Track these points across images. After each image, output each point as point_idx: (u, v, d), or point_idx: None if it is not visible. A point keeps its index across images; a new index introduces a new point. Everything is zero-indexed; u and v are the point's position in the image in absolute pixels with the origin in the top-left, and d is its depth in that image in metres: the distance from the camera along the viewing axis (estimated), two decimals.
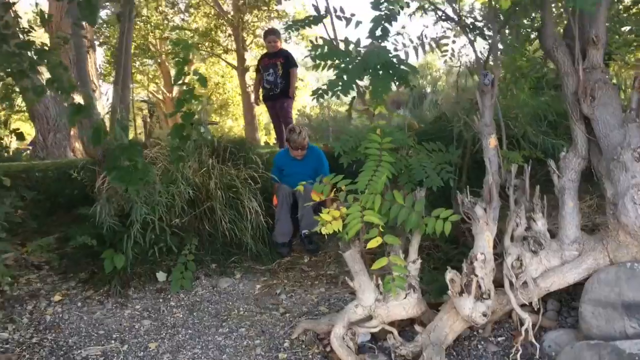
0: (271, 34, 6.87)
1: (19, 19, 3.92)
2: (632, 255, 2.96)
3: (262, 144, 15.56)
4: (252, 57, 17.46)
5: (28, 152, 11.50)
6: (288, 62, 6.75)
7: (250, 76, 17.19)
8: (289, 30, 3.82)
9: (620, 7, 6.67)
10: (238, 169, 5.14)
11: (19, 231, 4.97)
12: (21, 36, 3.79)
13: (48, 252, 4.54)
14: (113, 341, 3.76)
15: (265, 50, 7.34)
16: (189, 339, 3.75)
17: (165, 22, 15.60)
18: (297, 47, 17.92)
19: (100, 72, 14.11)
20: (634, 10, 7.26)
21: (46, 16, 3.89)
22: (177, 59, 3.43)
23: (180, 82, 4.05)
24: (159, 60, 17.65)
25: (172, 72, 19.39)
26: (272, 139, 21.23)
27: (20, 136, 4.45)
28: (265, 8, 15.71)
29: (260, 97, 7.08)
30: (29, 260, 4.68)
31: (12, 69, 3.74)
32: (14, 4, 3.68)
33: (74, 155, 10.24)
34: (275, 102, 6.86)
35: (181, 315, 4.11)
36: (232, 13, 16.06)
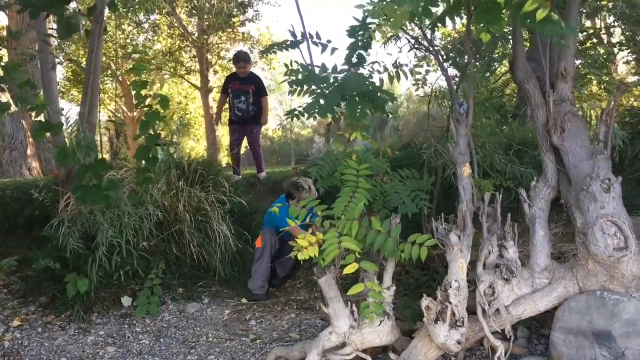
0: (242, 60, 6.66)
1: None
2: (601, 283, 3.03)
3: (224, 164, 15.43)
4: (216, 78, 17.42)
5: None
6: (259, 90, 6.65)
7: (214, 97, 17.15)
8: (265, 55, 3.82)
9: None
10: (207, 191, 5.07)
11: None
12: None
13: (8, 275, 4.35)
14: None
15: (232, 70, 7.30)
16: None
17: (129, 41, 15.42)
18: (263, 72, 17.99)
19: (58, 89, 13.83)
20: (588, 44, 7.60)
21: (14, 32, 3.77)
22: (134, 82, 3.38)
23: (142, 105, 4.01)
24: (120, 79, 17.41)
25: (134, 92, 19.16)
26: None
27: None
28: (230, 30, 15.74)
29: (221, 119, 7.16)
30: None
31: None
32: None
33: (30, 174, 9.92)
34: (246, 127, 6.71)
35: (147, 342, 4.00)
36: (196, 34, 16.02)
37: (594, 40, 7.55)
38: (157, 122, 3.47)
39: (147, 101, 3.58)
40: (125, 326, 4.21)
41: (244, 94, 6.52)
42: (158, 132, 3.65)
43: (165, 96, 3.51)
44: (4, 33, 10.68)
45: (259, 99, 6.60)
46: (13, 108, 3.68)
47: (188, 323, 4.28)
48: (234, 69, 6.92)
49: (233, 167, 6.68)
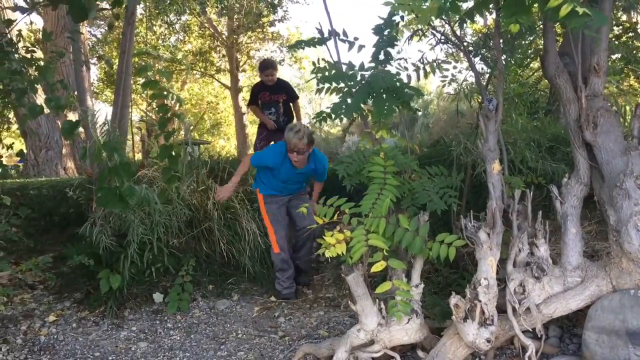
0: (269, 67, 6.32)
1: (22, 37, 3.91)
2: (635, 282, 2.96)
3: None
4: (246, 77, 17.58)
5: (17, 169, 11.41)
6: (290, 96, 6.41)
7: (244, 97, 17.28)
8: (293, 50, 3.84)
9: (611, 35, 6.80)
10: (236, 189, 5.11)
11: (13, 249, 4.91)
12: (23, 53, 3.78)
13: (43, 271, 4.47)
14: None
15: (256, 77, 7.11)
16: None
17: (160, 42, 15.65)
18: (289, 70, 18.06)
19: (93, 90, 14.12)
20: (624, 38, 7.42)
21: (48, 33, 3.86)
22: (145, 82, 3.40)
23: (159, 105, 4.04)
24: (152, 80, 17.62)
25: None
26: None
27: (19, 153, 4.39)
28: (259, 30, 15.84)
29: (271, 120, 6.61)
30: (23, 279, 4.61)
31: (12, 87, 3.72)
32: (17, 21, 3.67)
33: (65, 173, 10.17)
34: (275, 135, 6.35)
35: (178, 338, 4.05)
36: (226, 34, 16.18)
37: (631, 34, 7.37)
38: (173, 119, 3.49)
39: (158, 100, 3.61)
40: (157, 322, 4.28)
41: (274, 105, 6.31)
42: (173, 128, 3.68)
43: (178, 95, 3.54)
44: (40, 36, 10.94)
45: (289, 105, 6.42)
46: (46, 110, 3.76)
47: (218, 319, 4.33)
48: (258, 77, 6.69)
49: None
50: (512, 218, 3.32)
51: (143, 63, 14.73)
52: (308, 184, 4.88)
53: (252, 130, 19.03)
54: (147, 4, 12.18)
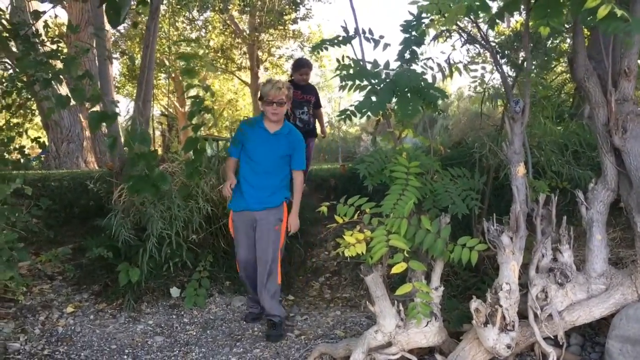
0: (305, 66, 6.14)
1: (48, 27, 3.93)
2: None
3: None
4: (266, 75, 17.59)
5: (38, 160, 11.52)
6: (317, 101, 6.25)
7: None
8: (316, 51, 3.78)
9: None
10: None
11: (33, 240, 4.95)
12: (49, 45, 3.80)
13: (63, 262, 4.50)
14: (125, 356, 3.70)
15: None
16: (202, 358, 3.69)
17: (182, 37, 15.72)
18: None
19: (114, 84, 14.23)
20: None
21: (74, 26, 3.89)
22: (183, 70, 3.41)
23: (190, 94, 4.05)
24: (173, 75, 17.78)
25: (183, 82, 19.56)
26: None
27: (42, 145, 4.43)
28: (281, 27, 15.85)
29: None
30: (42, 269, 4.65)
31: (37, 77, 3.75)
32: (44, 12, 3.69)
33: (85, 166, 10.26)
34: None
35: (194, 333, 4.05)
36: (248, 32, 16.21)
37: None
38: (203, 111, 3.49)
39: (196, 91, 3.61)
40: (174, 316, 4.29)
41: (307, 104, 6.07)
42: (202, 121, 3.68)
43: (211, 87, 3.53)
44: (64, 29, 11.05)
45: (314, 110, 6.22)
46: (72, 102, 3.78)
47: (234, 316, 4.32)
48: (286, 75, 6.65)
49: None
50: (536, 222, 3.26)
51: (164, 59, 14.85)
52: (285, 184, 4.13)
53: None
54: (171, 0, 12.24)
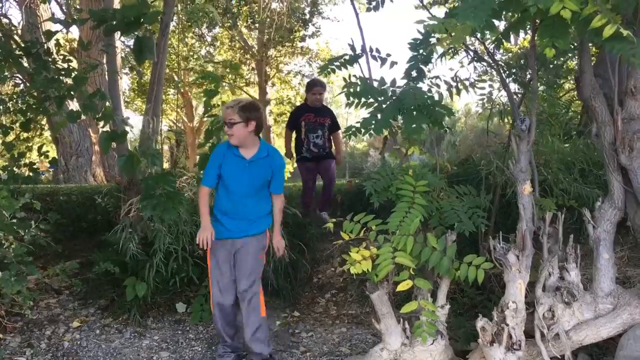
0: (318, 85, 5.85)
1: (60, 46, 4.00)
2: None
3: None
4: (274, 90, 17.71)
5: (46, 174, 11.61)
6: (334, 124, 5.96)
7: (271, 109, 17.40)
8: (324, 73, 3.76)
9: None
10: None
11: (41, 254, 4.97)
12: (60, 62, 3.87)
13: (70, 277, 4.51)
14: None
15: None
16: None
17: (191, 53, 15.88)
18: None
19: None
20: None
21: (85, 43, 3.95)
22: (205, 90, 3.46)
23: (209, 113, 4.11)
24: (182, 91, 17.92)
25: (195, 102, 19.71)
26: (287, 172, 21.36)
27: (53, 161, 4.49)
28: (289, 44, 15.97)
29: (293, 154, 6.08)
30: (49, 284, 4.67)
31: (49, 95, 3.81)
32: (57, 32, 3.76)
33: (94, 180, 10.33)
34: (320, 164, 5.91)
35: (200, 349, 4.05)
36: (256, 48, 16.35)
37: None
38: (222, 132, 3.53)
39: (215, 111, 3.65)
40: (179, 332, 4.28)
41: (321, 128, 5.76)
42: (219, 140, 3.72)
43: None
44: (74, 44, 11.19)
45: (331, 132, 5.94)
46: (82, 117, 3.84)
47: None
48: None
49: (303, 210, 5.80)
50: (543, 241, 3.26)
51: (173, 74, 14.98)
52: (267, 210, 3.77)
53: (278, 143, 19.14)
54: (180, 16, 12.38)
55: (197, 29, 14.59)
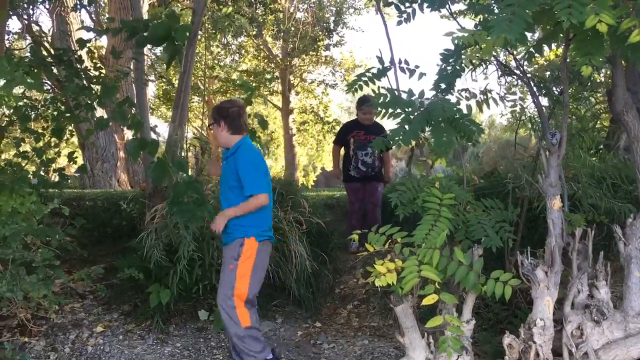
0: (368, 102, 5.44)
1: (93, 53, 4.06)
2: None
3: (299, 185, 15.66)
4: (297, 99, 17.78)
5: (72, 180, 11.78)
6: None
7: (294, 118, 17.45)
8: (352, 90, 3.72)
9: None
10: (285, 211, 5.12)
11: (66, 258, 5.03)
12: (92, 70, 3.93)
13: (94, 282, 4.55)
14: None
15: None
16: None
17: (216, 61, 16.02)
18: (341, 94, 18.29)
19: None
20: None
21: (117, 52, 4.01)
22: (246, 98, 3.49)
23: None
24: (206, 99, 18.08)
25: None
26: (310, 181, 21.37)
27: (82, 168, 4.55)
28: (313, 53, 16.04)
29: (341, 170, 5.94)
30: (74, 288, 4.71)
31: (79, 102, 3.87)
32: (89, 41, 3.83)
33: (119, 185, 10.46)
34: (366, 185, 5.69)
35: (221, 357, 4.05)
36: (280, 56, 16.45)
37: None
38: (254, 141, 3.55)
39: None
40: (201, 340, 4.29)
41: (371, 146, 5.27)
42: None
43: (264, 118, 3.58)
44: (102, 52, 11.37)
45: (381, 153, 5.62)
46: (110, 124, 3.89)
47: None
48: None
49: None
50: (572, 257, 3.19)
51: (199, 82, 15.12)
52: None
53: (301, 152, 19.18)
54: (206, 25, 12.51)
55: (223, 37, 14.73)
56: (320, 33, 15.35)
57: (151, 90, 16.88)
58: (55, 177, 4.42)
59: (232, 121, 3.61)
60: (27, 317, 4.05)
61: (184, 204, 3.00)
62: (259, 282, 3.67)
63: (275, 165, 21.87)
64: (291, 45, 15.72)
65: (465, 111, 3.36)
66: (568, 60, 3.21)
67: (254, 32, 14.65)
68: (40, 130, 4.04)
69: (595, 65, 2.38)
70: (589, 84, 4.42)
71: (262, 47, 16.30)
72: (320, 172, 21.94)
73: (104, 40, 11.91)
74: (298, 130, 18.21)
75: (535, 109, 3.66)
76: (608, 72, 7.99)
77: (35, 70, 3.26)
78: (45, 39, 11.15)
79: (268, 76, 16.44)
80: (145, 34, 3.08)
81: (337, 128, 17.87)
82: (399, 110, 3.33)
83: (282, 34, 15.28)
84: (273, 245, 4.22)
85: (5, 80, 2.65)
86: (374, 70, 3.65)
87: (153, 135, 3.96)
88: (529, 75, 3.61)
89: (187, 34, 2.87)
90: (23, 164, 3.89)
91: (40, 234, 3.67)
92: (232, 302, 3.52)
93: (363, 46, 35.57)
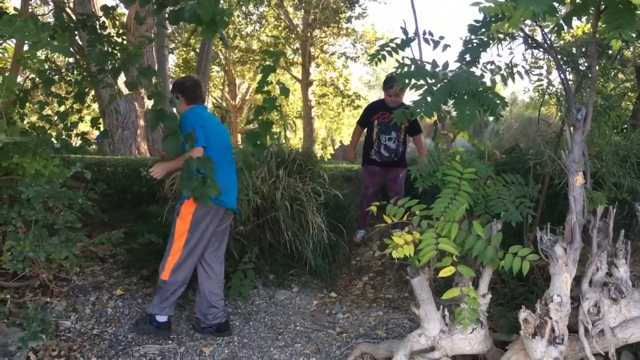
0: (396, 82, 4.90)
1: (116, 19, 4.05)
2: None
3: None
4: (317, 71, 17.66)
5: (97, 145, 11.89)
6: (414, 127, 5.21)
7: (313, 90, 17.35)
8: (374, 61, 3.67)
9: None
10: (304, 182, 5.13)
11: (87, 222, 5.10)
12: (115, 37, 3.93)
13: (115, 246, 4.62)
14: (170, 341, 3.79)
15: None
16: (244, 348, 3.75)
17: (237, 31, 15.94)
18: (362, 67, 18.09)
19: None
20: None
21: (140, 17, 3.99)
22: (263, 67, 3.45)
23: (262, 91, 4.09)
24: (226, 69, 18.04)
25: (238, 81, 19.82)
26: (328, 154, 21.33)
27: (104, 133, 4.58)
28: (335, 25, 15.87)
29: (353, 155, 5.78)
30: (95, 252, 4.79)
31: (104, 67, 3.88)
32: (113, 8, 3.81)
33: (138, 153, 10.54)
34: (388, 171, 5.28)
35: (237, 323, 4.11)
36: (301, 27, 16.30)
37: None
38: (274, 109, 3.53)
39: (269, 88, 3.64)
40: None
41: (396, 130, 5.12)
42: (271, 120, 3.71)
43: (286, 86, 3.56)
44: (124, 19, 11.36)
45: (407, 137, 5.33)
46: (125, 91, 3.89)
47: (277, 309, 4.36)
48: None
49: (361, 221, 5.51)
50: (592, 235, 3.16)
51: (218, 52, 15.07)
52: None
53: (319, 125, 19.11)
54: None
55: (245, 7, 14.62)
56: (342, 4, 15.15)
57: (171, 59, 16.86)
58: (77, 142, 4.46)
59: (188, 94, 3.93)
60: (49, 278, 4.13)
61: (194, 181, 3.00)
62: (200, 246, 3.84)
63: (293, 138, 21.86)
64: (312, 17, 15.55)
65: (489, 84, 3.31)
66: (597, 35, 3.14)
67: (275, 2, 14.51)
68: (64, 95, 4.06)
69: (626, 40, 2.31)
70: (616, 58, 4.31)
71: (282, 17, 16.15)
72: (339, 145, 21.86)
73: (124, 8, 11.89)
74: (317, 103, 18.13)
75: (561, 84, 3.59)
76: (638, 50, 7.81)
77: (63, 33, 3.25)
78: (67, 4, 11.15)
79: (287, 50, 16.31)
80: (176, 7, 3.01)
81: (357, 102, 17.88)
82: (421, 82, 3.28)
83: (303, 4, 15.11)
84: (291, 216, 4.24)
85: (31, 42, 2.65)
86: (398, 41, 3.60)
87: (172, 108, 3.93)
88: (556, 48, 3.52)
89: (226, 19, 2.79)
90: (46, 128, 3.91)
91: (62, 196, 3.72)
92: (168, 252, 3.80)
93: (385, 19, 35.04)
